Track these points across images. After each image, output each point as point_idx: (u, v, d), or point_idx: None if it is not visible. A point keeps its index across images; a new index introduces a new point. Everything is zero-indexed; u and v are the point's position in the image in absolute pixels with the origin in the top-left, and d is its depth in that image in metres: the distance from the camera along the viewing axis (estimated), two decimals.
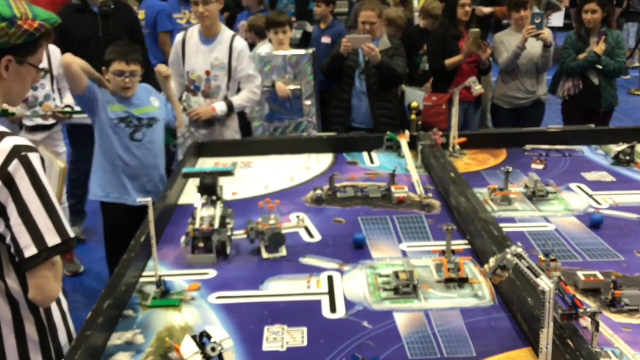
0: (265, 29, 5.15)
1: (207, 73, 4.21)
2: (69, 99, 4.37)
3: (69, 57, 3.47)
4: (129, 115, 3.62)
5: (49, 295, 1.86)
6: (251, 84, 4.36)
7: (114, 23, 4.94)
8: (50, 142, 4.50)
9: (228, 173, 2.82)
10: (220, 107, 4.26)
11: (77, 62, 3.45)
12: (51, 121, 4.41)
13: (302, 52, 4.90)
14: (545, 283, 1.69)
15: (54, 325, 1.99)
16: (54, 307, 2.00)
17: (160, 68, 3.91)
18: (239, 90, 4.38)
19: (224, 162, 3.74)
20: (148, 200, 2.23)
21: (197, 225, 2.52)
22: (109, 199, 3.73)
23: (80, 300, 4.41)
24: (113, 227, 3.78)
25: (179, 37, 4.39)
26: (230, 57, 4.24)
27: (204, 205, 2.64)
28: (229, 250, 2.57)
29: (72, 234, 1.86)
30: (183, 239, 2.55)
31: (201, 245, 2.49)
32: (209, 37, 4.25)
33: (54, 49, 4.45)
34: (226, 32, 4.34)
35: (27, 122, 4.36)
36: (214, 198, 2.67)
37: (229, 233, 2.58)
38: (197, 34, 4.29)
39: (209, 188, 2.65)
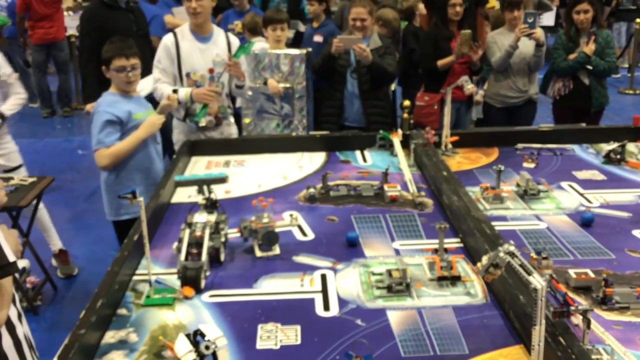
0: (261, 26, 5.16)
1: (211, 71, 4.10)
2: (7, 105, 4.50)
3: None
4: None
5: None
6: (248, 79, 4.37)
7: (140, 18, 5.02)
8: (3, 138, 4.58)
9: (221, 180, 2.77)
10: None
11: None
12: None
13: (296, 51, 4.90)
14: (537, 281, 1.70)
15: (2, 354, 1.93)
16: (4, 334, 1.94)
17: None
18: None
19: (216, 161, 3.74)
20: (140, 199, 2.23)
21: (189, 232, 2.45)
22: (126, 217, 3.58)
23: (74, 298, 4.41)
24: None
25: (169, 38, 4.16)
26: (230, 52, 4.16)
27: (198, 209, 2.61)
28: (222, 257, 2.54)
29: (11, 258, 1.81)
30: (175, 245, 2.51)
31: (194, 251, 2.44)
32: (204, 34, 4.17)
33: None
34: (217, 28, 4.30)
35: None
36: (211, 203, 2.63)
37: (223, 239, 2.56)
38: (188, 33, 4.17)
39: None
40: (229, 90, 4.24)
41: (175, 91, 4.01)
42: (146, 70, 4.16)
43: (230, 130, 4.32)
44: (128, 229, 3.51)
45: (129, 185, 3.49)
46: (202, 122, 4.09)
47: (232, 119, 4.33)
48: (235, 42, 4.26)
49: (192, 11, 4.05)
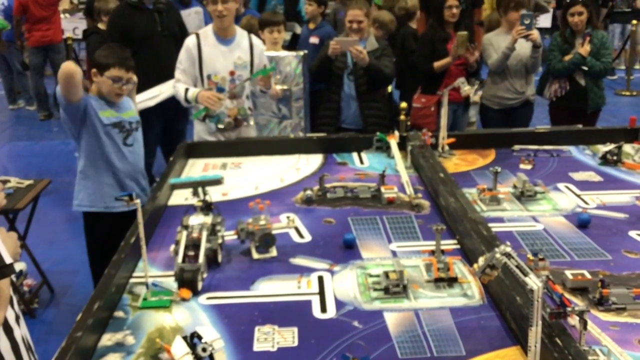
0: (257, 29, 5.16)
1: (232, 73, 4.10)
2: None
3: (72, 65, 3.25)
4: (121, 121, 3.49)
5: None
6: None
7: (167, 19, 5.04)
8: None
9: (216, 182, 2.77)
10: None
11: (79, 71, 3.24)
12: None
13: (293, 54, 4.91)
14: (533, 282, 1.70)
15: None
16: (2, 337, 1.94)
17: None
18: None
19: (213, 163, 3.74)
20: (137, 202, 2.23)
21: (186, 234, 2.44)
22: (95, 209, 3.60)
23: (71, 301, 4.40)
24: (97, 236, 3.64)
25: (191, 40, 4.14)
26: (252, 55, 4.18)
27: (194, 211, 2.61)
28: (220, 259, 2.54)
29: (8, 260, 1.81)
30: (172, 247, 2.51)
31: (191, 253, 2.43)
32: (227, 37, 4.14)
33: None
34: (241, 30, 4.27)
35: None
36: (206, 205, 2.63)
37: (220, 241, 2.56)
38: (211, 35, 4.13)
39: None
40: (250, 93, 4.25)
41: (187, 90, 4.06)
42: (170, 71, 4.19)
43: (249, 132, 4.30)
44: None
45: (97, 180, 3.56)
46: (221, 124, 4.11)
47: (252, 121, 4.32)
48: (258, 44, 4.26)
49: (218, 14, 4.03)
